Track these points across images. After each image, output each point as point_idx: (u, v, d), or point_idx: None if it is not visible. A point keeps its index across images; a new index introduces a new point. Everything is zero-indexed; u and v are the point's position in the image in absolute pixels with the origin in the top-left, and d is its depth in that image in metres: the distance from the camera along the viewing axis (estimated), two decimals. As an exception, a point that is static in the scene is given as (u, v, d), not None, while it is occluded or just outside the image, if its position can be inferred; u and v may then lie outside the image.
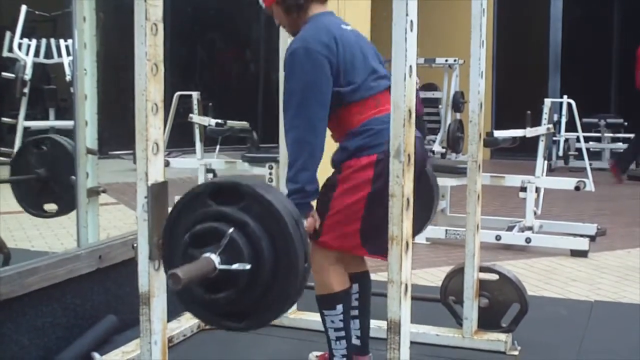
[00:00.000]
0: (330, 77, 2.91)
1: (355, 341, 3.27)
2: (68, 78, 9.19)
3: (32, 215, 4.46)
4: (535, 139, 6.60)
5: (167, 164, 6.45)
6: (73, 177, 4.00)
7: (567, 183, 6.55)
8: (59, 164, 4.15)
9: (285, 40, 3.82)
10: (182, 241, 2.32)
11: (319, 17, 3.05)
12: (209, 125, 7.41)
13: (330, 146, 3.07)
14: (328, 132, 3.03)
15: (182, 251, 2.32)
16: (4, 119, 9.56)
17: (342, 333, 3.10)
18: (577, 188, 6.37)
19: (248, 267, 2.23)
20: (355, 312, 3.27)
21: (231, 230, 2.24)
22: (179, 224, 2.40)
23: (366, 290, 3.30)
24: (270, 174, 5.64)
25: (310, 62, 2.88)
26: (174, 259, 2.36)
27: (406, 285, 2.51)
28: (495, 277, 3.78)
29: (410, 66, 2.42)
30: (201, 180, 7.29)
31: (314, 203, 3.01)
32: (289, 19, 3.11)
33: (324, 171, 3.06)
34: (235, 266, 2.22)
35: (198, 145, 7.50)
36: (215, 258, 2.23)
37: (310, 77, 2.88)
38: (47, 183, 4.22)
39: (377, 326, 3.65)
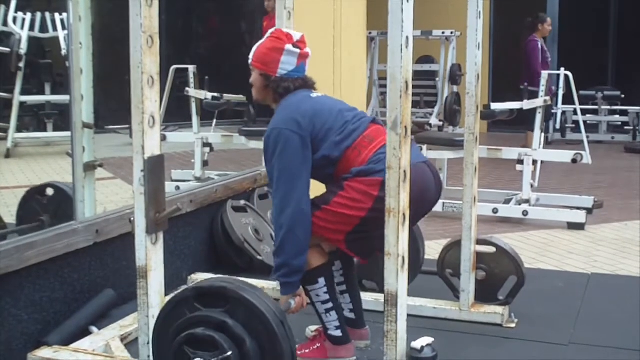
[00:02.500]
0: (305, 150, 3.00)
1: (350, 315, 3.30)
2: (64, 52, 9.15)
3: None
4: (533, 112, 6.59)
5: (163, 138, 6.42)
6: (69, 152, 3.99)
7: (564, 156, 6.55)
8: (61, 211, 4.21)
9: (281, 13, 3.80)
10: (178, 339, 2.46)
11: (291, 96, 3.15)
12: (206, 99, 7.38)
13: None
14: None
15: (175, 348, 2.46)
16: (0, 94, 9.52)
17: (330, 304, 3.14)
18: (574, 161, 6.38)
19: None
20: (343, 287, 3.31)
21: (230, 353, 2.39)
22: (170, 322, 2.53)
23: (349, 265, 3.33)
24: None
25: (284, 141, 2.99)
26: (166, 353, 2.52)
27: (403, 258, 2.51)
28: (492, 249, 3.78)
29: (407, 37, 2.41)
30: (198, 154, 7.28)
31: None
32: (262, 91, 3.21)
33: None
34: None
35: (195, 119, 7.47)
36: None
37: (286, 157, 2.99)
38: None
39: (374, 299, 3.66)
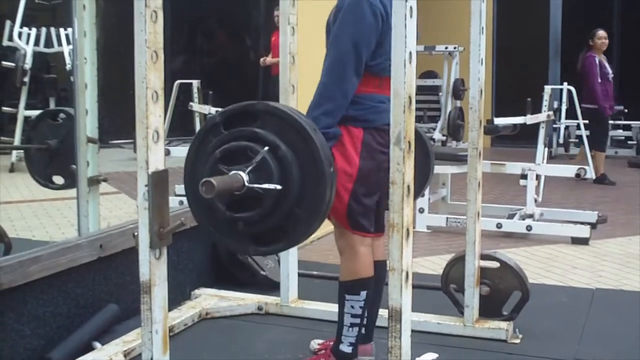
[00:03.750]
0: (377, 28, 2.93)
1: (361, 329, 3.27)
2: (68, 67, 9.18)
3: (40, 185, 4.51)
4: (536, 127, 6.59)
5: (167, 152, 6.43)
6: (74, 166, 4.00)
7: (567, 170, 6.55)
8: (70, 137, 4.18)
9: (285, 29, 3.81)
10: (212, 157, 2.33)
11: None
12: (209, 113, 7.40)
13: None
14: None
15: (210, 166, 2.33)
16: (4, 109, 9.56)
17: (358, 320, 3.10)
18: (577, 175, 6.37)
19: (279, 187, 2.24)
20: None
21: (266, 148, 2.25)
22: (204, 150, 2.41)
23: (381, 280, 3.28)
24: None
25: (371, 18, 2.91)
26: (201, 176, 2.35)
27: (407, 273, 2.50)
28: (496, 264, 3.77)
29: (410, 52, 2.41)
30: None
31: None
32: None
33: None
34: (265, 185, 2.24)
35: (198, 133, 7.48)
36: (244, 176, 2.25)
37: (366, 32, 2.92)
38: (57, 155, 4.27)
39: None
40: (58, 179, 4.38)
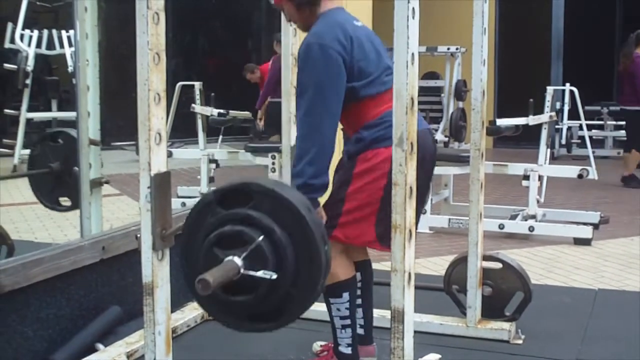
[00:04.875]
0: (343, 73, 2.91)
1: (359, 330, 3.27)
2: (70, 69, 9.20)
3: (48, 209, 4.51)
4: (538, 127, 6.59)
5: (169, 154, 6.44)
6: (76, 168, 4.00)
7: (570, 171, 6.54)
8: (72, 158, 4.18)
9: (286, 29, 3.81)
10: (207, 240, 2.32)
11: (332, 13, 3.05)
12: (212, 115, 7.40)
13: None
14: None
15: (206, 250, 2.33)
16: (7, 111, 9.58)
17: (348, 321, 3.11)
18: (580, 176, 6.36)
19: (275, 276, 2.24)
20: (359, 301, 3.27)
21: (261, 237, 2.24)
22: (200, 227, 2.40)
23: (368, 279, 3.31)
24: (273, 163, 5.64)
25: (324, 58, 2.88)
26: (196, 259, 2.39)
27: (409, 274, 2.50)
28: (498, 265, 3.77)
29: (412, 54, 2.41)
30: (204, 170, 7.29)
31: (322, 200, 3.00)
32: (300, 15, 3.10)
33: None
34: (260, 273, 2.23)
35: (200, 135, 7.49)
36: (239, 262, 2.23)
37: (324, 74, 2.88)
38: (62, 177, 4.27)
39: (380, 315, 3.65)
40: (65, 201, 4.39)
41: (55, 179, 4.30)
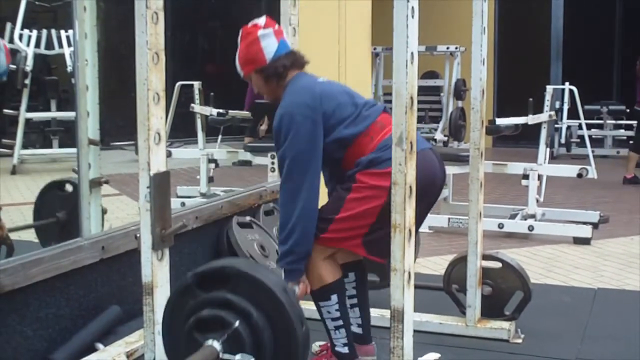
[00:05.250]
0: (317, 134, 2.99)
1: (357, 330, 3.28)
2: (69, 69, 9.19)
3: None
4: (538, 127, 6.59)
5: (169, 154, 6.42)
6: (75, 168, 4.00)
7: (569, 170, 6.54)
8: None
9: (285, 28, 3.81)
10: (187, 324, 2.41)
11: (295, 81, 3.14)
12: (211, 115, 7.39)
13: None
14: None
15: (186, 334, 2.41)
16: (6, 111, 9.56)
17: (340, 322, 3.12)
18: (579, 175, 6.37)
19: (252, 359, 2.32)
20: (354, 301, 3.29)
21: (237, 323, 2.33)
22: (181, 309, 2.48)
23: (362, 278, 3.32)
24: (273, 163, 5.63)
25: (295, 126, 2.96)
26: (177, 342, 2.48)
27: (409, 273, 2.50)
28: (498, 265, 3.77)
29: (412, 53, 2.41)
30: (203, 170, 7.28)
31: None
32: (268, 87, 3.19)
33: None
34: (238, 357, 2.31)
35: (200, 135, 7.48)
36: (217, 346, 2.32)
37: (297, 141, 2.96)
38: (67, 226, 4.31)
39: (380, 315, 3.65)
40: None
41: (61, 228, 4.32)
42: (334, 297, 3.10)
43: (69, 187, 4.53)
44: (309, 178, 2.96)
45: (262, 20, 3.18)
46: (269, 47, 3.12)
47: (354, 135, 3.02)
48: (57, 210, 4.33)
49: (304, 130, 2.96)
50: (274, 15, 3.42)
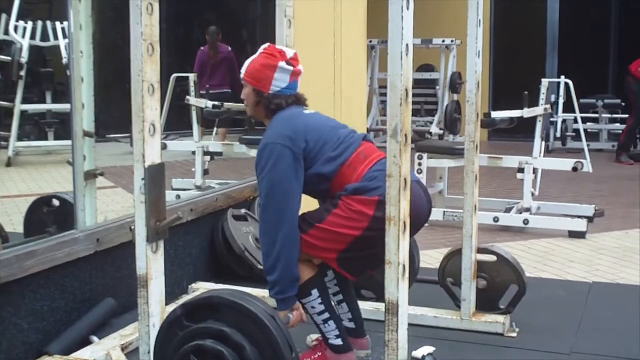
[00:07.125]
0: (297, 166, 3.02)
1: (349, 324, 3.29)
2: (64, 61, 9.17)
3: None
4: (533, 120, 6.59)
5: (164, 146, 6.42)
6: (70, 160, 3.99)
7: (565, 164, 6.55)
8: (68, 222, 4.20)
9: (281, 21, 3.81)
10: (177, 355, 2.48)
11: (285, 111, 3.16)
12: (206, 107, 7.38)
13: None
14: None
15: None
16: (1, 103, 9.53)
17: (327, 315, 3.14)
18: (575, 169, 6.37)
19: None
20: (340, 297, 3.31)
21: (226, 351, 2.41)
22: (171, 341, 2.54)
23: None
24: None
25: (275, 157, 3.00)
26: None
27: (404, 266, 2.50)
28: (493, 258, 3.77)
29: (407, 45, 2.41)
30: (198, 162, 7.28)
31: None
32: (255, 108, 3.22)
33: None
34: None
35: (195, 127, 7.47)
36: None
37: (276, 171, 3.00)
38: None
39: (375, 308, 3.66)
40: None
41: None
42: (315, 292, 3.12)
43: (56, 202, 4.55)
44: (290, 211, 2.99)
45: (291, 53, 3.19)
46: (279, 81, 3.15)
47: (334, 171, 3.05)
48: (48, 226, 4.34)
49: (285, 161, 2.99)
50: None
